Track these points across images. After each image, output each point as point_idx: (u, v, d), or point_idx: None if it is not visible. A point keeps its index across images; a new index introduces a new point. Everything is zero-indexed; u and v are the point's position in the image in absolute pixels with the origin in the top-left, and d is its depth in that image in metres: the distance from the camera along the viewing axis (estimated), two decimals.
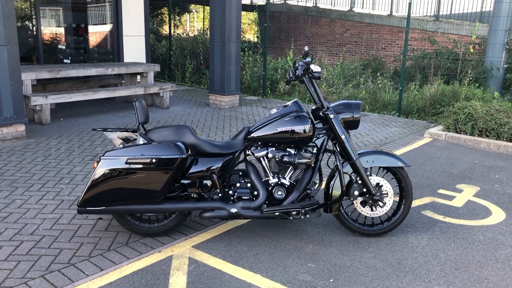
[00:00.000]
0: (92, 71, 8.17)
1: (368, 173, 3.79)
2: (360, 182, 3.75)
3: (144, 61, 10.68)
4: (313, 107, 3.86)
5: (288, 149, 3.69)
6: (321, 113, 3.76)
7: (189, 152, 3.53)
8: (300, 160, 3.60)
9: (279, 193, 3.67)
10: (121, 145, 3.63)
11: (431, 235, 3.97)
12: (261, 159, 3.71)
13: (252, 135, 3.68)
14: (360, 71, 12.35)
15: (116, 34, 10.26)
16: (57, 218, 4.02)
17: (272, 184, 3.70)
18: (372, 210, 3.83)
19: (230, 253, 3.55)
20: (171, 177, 3.44)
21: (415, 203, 4.67)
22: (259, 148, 3.71)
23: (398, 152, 6.49)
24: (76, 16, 9.96)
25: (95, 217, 4.06)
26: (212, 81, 9.33)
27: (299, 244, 3.74)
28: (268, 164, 3.71)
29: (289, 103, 3.79)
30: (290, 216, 3.68)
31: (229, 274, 3.26)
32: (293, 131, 3.61)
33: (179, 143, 3.49)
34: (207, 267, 3.33)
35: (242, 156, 3.98)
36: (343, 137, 3.69)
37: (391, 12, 16.25)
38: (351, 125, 3.77)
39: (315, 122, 3.84)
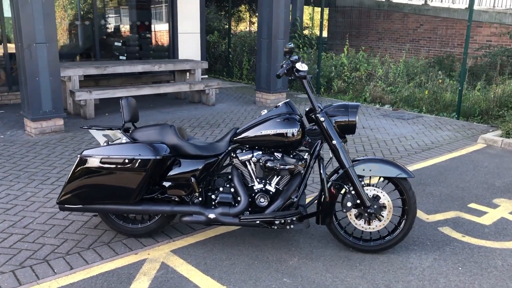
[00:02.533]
0: (138, 67, 8.36)
1: (363, 182, 3.42)
2: (353, 192, 3.40)
3: (199, 58, 10.77)
4: (307, 109, 3.57)
5: (275, 154, 3.44)
6: (313, 116, 3.47)
7: (169, 153, 3.41)
8: (282, 166, 3.34)
9: (262, 200, 3.43)
10: (105, 143, 3.59)
11: (439, 256, 3.51)
12: (247, 163, 3.49)
13: (237, 137, 3.48)
14: (427, 69, 11.52)
15: (172, 31, 10.43)
16: (54, 212, 4.09)
17: (256, 191, 3.47)
18: (367, 224, 3.46)
19: (206, 260, 3.38)
20: (146, 178, 3.33)
21: (436, 217, 4.19)
22: (244, 151, 3.50)
23: (440, 159, 5.91)
24: (133, 14, 10.27)
25: (91, 213, 4.08)
26: (258, 78, 9.17)
27: (284, 256, 3.48)
28: (254, 169, 3.49)
29: (280, 104, 3.53)
30: (274, 225, 3.43)
31: (194, 283, 3.09)
32: (278, 134, 3.36)
33: (156, 144, 3.38)
34: (175, 274, 3.19)
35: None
36: (334, 142, 3.37)
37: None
38: (346, 129, 3.42)
39: (310, 125, 3.56)
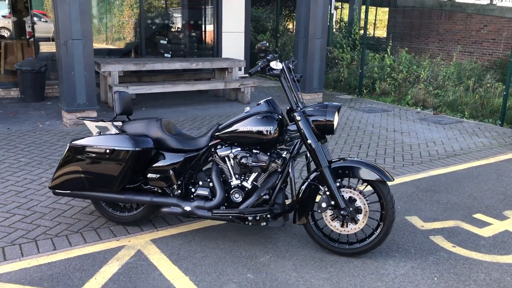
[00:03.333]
0: (176, 65, 8.64)
1: (338, 183, 3.36)
2: (328, 193, 3.36)
3: (243, 57, 10.90)
4: (288, 108, 3.56)
5: (254, 151, 3.47)
6: (291, 115, 3.46)
7: (151, 146, 3.54)
8: (254, 163, 3.37)
9: (236, 195, 3.48)
10: (97, 134, 3.80)
11: (418, 265, 3.37)
12: (226, 159, 3.55)
13: (218, 133, 3.55)
14: (480, 72, 10.90)
15: (216, 30, 10.66)
16: (59, 197, 4.37)
17: (233, 186, 3.53)
18: (343, 226, 3.41)
19: (179, 251, 3.49)
20: (126, 168, 3.48)
21: (432, 225, 4.02)
22: (224, 147, 3.56)
23: (463, 166, 5.62)
24: (179, 13, 10.61)
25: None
26: None
27: (258, 252, 3.50)
28: (232, 165, 3.54)
29: (261, 101, 3.56)
30: (247, 221, 3.47)
31: (160, 272, 3.20)
32: (255, 132, 3.38)
33: (138, 137, 3.53)
34: (146, 262, 3.32)
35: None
36: (309, 141, 3.34)
37: None
38: (324, 129, 3.38)
39: (290, 124, 3.55)
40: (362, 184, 3.47)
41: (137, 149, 3.45)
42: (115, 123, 3.81)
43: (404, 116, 8.45)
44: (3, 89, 8.79)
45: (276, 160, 3.42)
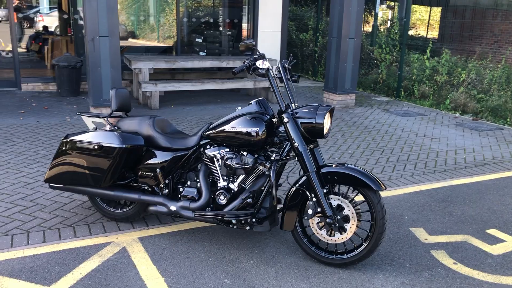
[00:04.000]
0: (207, 63, 8.65)
1: (326, 190, 3.19)
2: (315, 199, 3.20)
3: (278, 57, 10.79)
4: (279, 108, 3.42)
5: (242, 152, 3.37)
6: (280, 116, 3.32)
7: (140, 143, 3.52)
8: (238, 165, 3.26)
9: (221, 197, 3.39)
10: (92, 129, 3.82)
11: (409, 281, 3.14)
12: (214, 159, 3.47)
13: (207, 132, 3.47)
14: None
15: (252, 29, 10.60)
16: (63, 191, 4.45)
17: (219, 188, 3.44)
18: (330, 234, 3.23)
19: (163, 251, 3.44)
20: (114, 165, 3.47)
21: (437, 239, 3.75)
22: (212, 147, 3.48)
23: (490, 176, 5.24)
24: (214, 12, 10.63)
25: None
26: (327, 78, 8.92)
27: (243, 257, 3.39)
28: (220, 166, 3.45)
29: (252, 101, 3.44)
30: (231, 224, 3.37)
31: (137, 271, 3.17)
32: (241, 132, 3.28)
33: (128, 134, 3.51)
34: (127, 260, 3.30)
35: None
36: (296, 144, 3.19)
37: None
38: (314, 132, 3.22)
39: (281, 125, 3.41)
40: (353, 191, 3.28)
41: (124, 146, 3.43)
42: (110, 119, 3.83)
43: (439, 121, 8.02)
44: (43, 83, 9.15)
45: (264, 163, 3.29)
